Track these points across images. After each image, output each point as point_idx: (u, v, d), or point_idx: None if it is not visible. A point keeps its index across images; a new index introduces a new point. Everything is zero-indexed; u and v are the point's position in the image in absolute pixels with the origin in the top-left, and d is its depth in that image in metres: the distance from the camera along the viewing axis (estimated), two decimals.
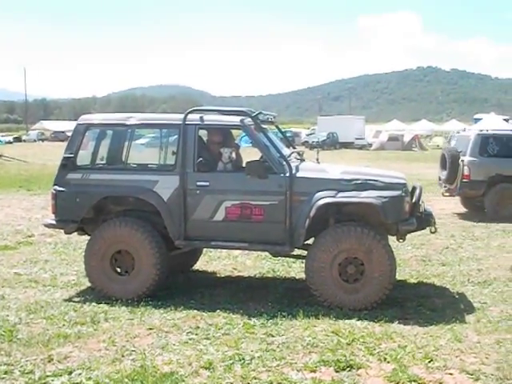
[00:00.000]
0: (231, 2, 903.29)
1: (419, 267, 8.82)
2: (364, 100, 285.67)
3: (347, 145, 57.15)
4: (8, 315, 6.49)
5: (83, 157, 7.55)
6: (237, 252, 9.40)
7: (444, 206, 15.33)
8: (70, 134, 7.77)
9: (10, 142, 71.78)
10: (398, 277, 8.10)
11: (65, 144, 7.74)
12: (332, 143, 56.94)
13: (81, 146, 7.44)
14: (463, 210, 14.89)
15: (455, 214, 14.40)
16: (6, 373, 4.98)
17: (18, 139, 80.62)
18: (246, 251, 8.92)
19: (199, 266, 8.92)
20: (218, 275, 8.57)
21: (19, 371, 5.01)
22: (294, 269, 8.65)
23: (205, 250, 9.07)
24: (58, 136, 79.90)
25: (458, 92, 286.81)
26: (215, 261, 9.27)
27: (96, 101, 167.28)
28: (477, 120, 45.14)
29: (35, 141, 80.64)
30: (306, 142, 58.13)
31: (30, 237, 11.30)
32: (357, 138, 58.50)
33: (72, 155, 7.35)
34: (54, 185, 7.40)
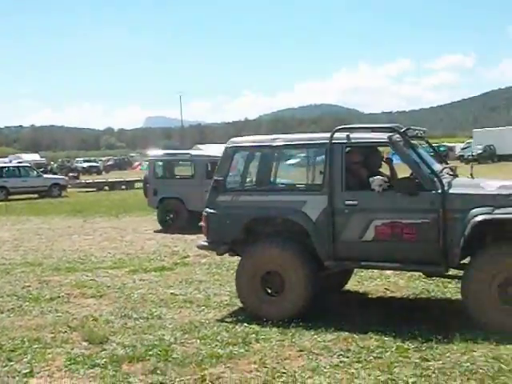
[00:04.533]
0: (374, 15, 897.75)
1: None
2: None
3: (507, 157, 54.40)
4: (164, 334, 6.70)
5: (232, 179, 7.71)
6: (389, 272, 9.13)
7: None
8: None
9: None
10: None
11: None
12: (489, 156, 54.58)
13: (230, 169, 7.60)
14: None
15: None
16: None
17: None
18: (399, 271, 8.64)
19: (350, 286, 8.76)
20: (370, 296, 8.37)
21: None
22: (449, 289, 8.26)
23: (356, 269, 8.90)
24: None
25: None
26: (367, 281, 9.07)
27: (248, 124, 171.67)
28: None
29: None
30: (461, 156, 56.26)
31: (185, 258, 11.71)
32: None
33: (222, 178, 7.52)
34: (206, 207, 7.60)
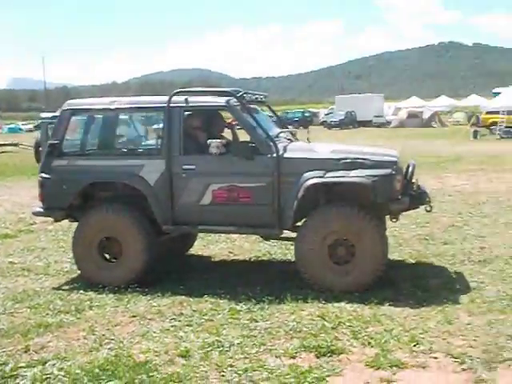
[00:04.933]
0: None
1: (420, 246, 8.58)
2: (386, 77, 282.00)
3: (366, 123, 56.72)
4: None
5: (69, 143, 7.44)
6: (235, 235, 9.23)
7: (455, 182, 15.04)
8: None
9: (30, 131, 72.19)
10: (397, 257, 7.94)
11: None
12: (350, 122, 56.68)
13: (66, 132, 7.33)
14: (475, 186, 14.51)
15: (464, 191, 13.95)
16: None
17: (38, 127, 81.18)
18: (236, 234, 8.73)
19: (195, 250, 8.79)
20: (213, 259, 8.43)
21: None
22: (291, 251, 8.44)
23: (203, 233, 8.93)
24: None
25: (481, 66, 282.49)
26: (212, 244, 9.13)
27: (116, 87, 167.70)
28: (496, 94, 44.64)
29: None
30: (325, 121, 57.95)
31: (31, 225, 11.27)
32: (375, 116, 57.98)
33: (58, 142, 7.24)
34: (40, 172, 7.30)
